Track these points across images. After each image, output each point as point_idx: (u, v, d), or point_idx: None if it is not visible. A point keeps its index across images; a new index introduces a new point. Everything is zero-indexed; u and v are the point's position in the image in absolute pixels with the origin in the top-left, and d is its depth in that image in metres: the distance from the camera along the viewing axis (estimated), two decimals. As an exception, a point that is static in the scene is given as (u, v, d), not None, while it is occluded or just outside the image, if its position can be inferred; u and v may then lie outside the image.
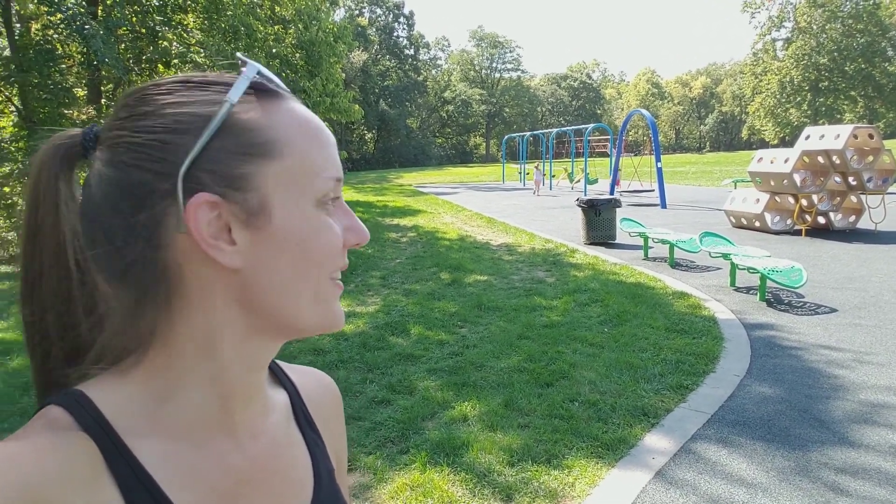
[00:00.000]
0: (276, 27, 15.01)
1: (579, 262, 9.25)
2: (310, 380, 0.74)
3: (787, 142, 53.46)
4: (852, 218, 11.61)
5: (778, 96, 61.60)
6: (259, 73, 0.57)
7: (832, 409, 4.09)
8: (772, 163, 11.50)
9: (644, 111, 19.61)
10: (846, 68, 58.57)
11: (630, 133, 64.27)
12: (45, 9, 8.74)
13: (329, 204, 0.58)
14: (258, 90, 0.56)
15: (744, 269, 7.12)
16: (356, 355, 5.32)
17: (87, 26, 8.32)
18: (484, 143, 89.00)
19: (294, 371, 0.73)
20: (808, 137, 11.50)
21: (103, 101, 11.45)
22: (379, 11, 72.55)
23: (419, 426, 3.98)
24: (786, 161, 11.13)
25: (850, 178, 11.15)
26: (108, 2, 9.82)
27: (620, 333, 5.71)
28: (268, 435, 0.64)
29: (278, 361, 0.71)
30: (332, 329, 0.61)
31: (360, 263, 9.59)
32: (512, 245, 11.12)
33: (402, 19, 73.88)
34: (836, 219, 11.57)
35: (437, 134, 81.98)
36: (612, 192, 18.89)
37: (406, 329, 6.07)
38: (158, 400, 0.55)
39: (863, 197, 11.49)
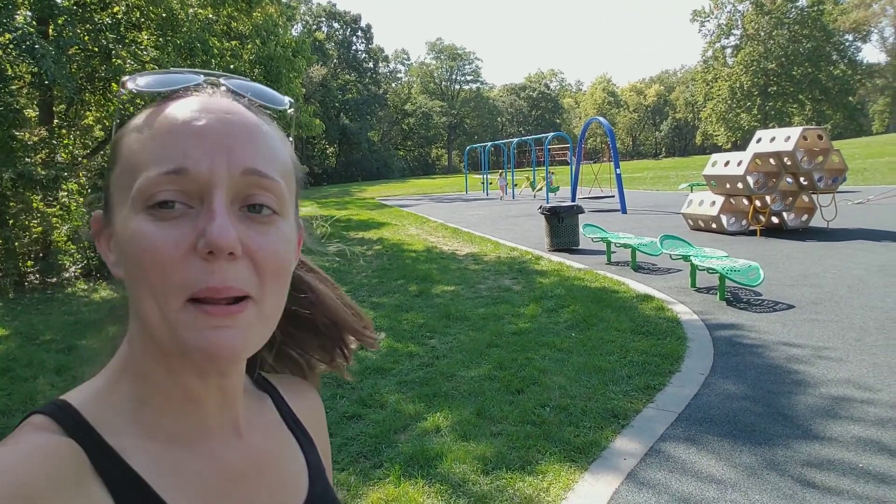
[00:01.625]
0: (233, 42, 14.85)
1: (544, 268, 9.34)
2: (291, 385, 0.74)
3: (739, 146, 54.98)
4: (805, 217, 12.00)
5: (729, 102, 63.42)
6: (130, 84, 0.57)
7: (795, 404, 4.21)
8: (725, 166, 11.82)
9: (601, 119, 19.99)
10: (793, 73, 60.66)
11: (588, 141, 65.25)
12: (-7, 28, 8.50)
13: (157, 207, 0.50)
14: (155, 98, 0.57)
15: (703, 269, 7.29)
16: (325, 372, 5.26)
17: (37, 46, 8.12)
18: (446, 155, 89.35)
19: (275, 378, 0.73)
20: (759, 140, 11.86)
21: (56, 121, 11.17)
22: (336, 25, 72.48)
23: (392, 439, 3.96)
24: (739, 164, 11.46)
25: (802, 179, 11.53)
26: (59, 21, 9.60)
27: (587, 338, 5.79)
28: (258, 433, 0.64)
29: (262, 372, 0.72)
30: (199, 360, 0.51)
31: (325, 278, 9.51)
32: (478, 254, 11.18)
33: (359, 33, 73.91)
34: (790, 218, 11.94)
35: (399, 146, 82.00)
36: (573, 199, 19.16)
37: (375, 342, 6.03)
38: (136, 403, 0.56)
39: (814, 196, 11.89)
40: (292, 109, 0.63)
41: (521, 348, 5.59)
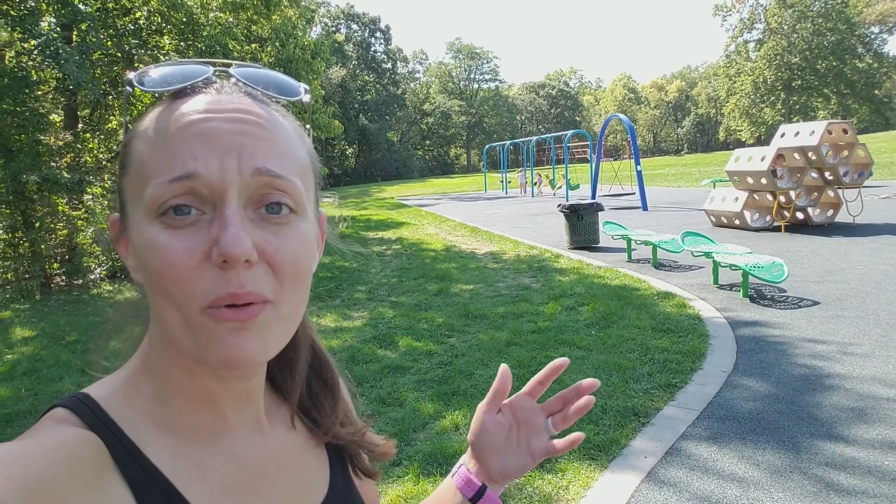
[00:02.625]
0: (252, 45, 15.00)
1: (564, 266, 9.29)
2: None
3: (762, 141, 54.28)
4: (830, 212, 11.79)
5: (752, 96, 62.60)
6: (135, 82, 0.54)
7: (819, 402, 4.13)
8: (749, 161, 11.65)
9: (621, 116, 19.81)
10: (818, 66, 59.71)
11: (609, 138, 64.85)
12: (19, 35, 8.68)
13: (170, 214, 0.49)
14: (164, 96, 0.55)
15: (726, 266, 7.19)
16: (345, 369, 5.21)
17: (61, 51, 8.27)
18: (465, 154, 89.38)
19: None
20: (783, 135, 11.68)
21: (80, 125, 11.37)
22: (355, 27, 72.87)
23: (411, 437, 3.96)
24: (762, 159, 11.29)
25: (827, 174, 11.33)
26: (82, 26, 9.77)
27: (608, 335, 5.74)
28: (280, 428, 0.65)
29: None
30: (219, 366, 0.51)
31: (344, 278, 9.57)
32: (497, 253, 11.15)
33: (378, 34, 74.24)
34: (815, 214, 11.74)
35: (418, 146, 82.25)
36: (593, 197, 19.03)
37: (394, 341, 6.06)
38: (156, 401, 0.56)
39: (840, 191, 11.67)
40: (308, 96, 0.60)
41: (540, 346, 5.56)
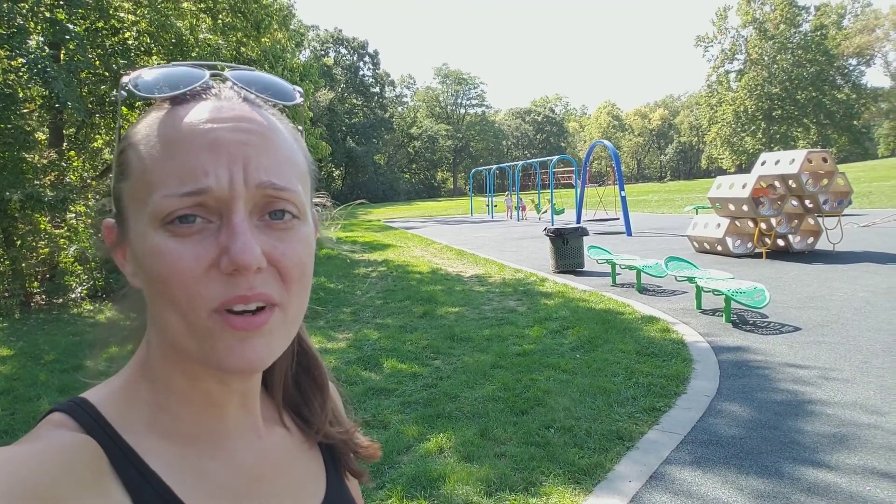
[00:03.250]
0: (241, 67, 15.04)
1: (549, 290, 9.33)
2: None
3: (743, 169, 55.13)
4: (811, 240, 11.96)
5: (733, 125, 63.77)
6: (131, 86, 0.54)
7: (801, 427, 4.16)
8: (730, 189, 11.83)
9: (606, 142, 20.08)
10: (798, 97, 61.04)
11: (593, 164, 65.51)
12: (6, 53, 8.66)
13: (176, 223, 0.49)
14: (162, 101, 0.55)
15: (709, 291, 7.26)
16: (329, 391, 5.24)
17: (49, 69, 8.26)
18: (451, 178, 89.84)
19: None
20: (763, 163, 11.88)
21: (65, 144, 11.30)
22: (344, 51, 73.42)
23: (394, 460, 3.93)
24: (743, 186, 11.47)
25: (807, 201, 11.52)
26: (70, 45, 9.77)
27: (592, 359, 5.75)
28: (277, 434, 0.65)
29: None
30: (226, 372, 0.52)
31: (329, 299, 9.53)
32: (483, 276, 11.17)
33: (367, 58, 74.81)
34: (795, 241, 11.91)
35: (405, 169, 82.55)
36: (578, 221, 19.18)
37: (378, 363, 6.02)
38: (154, 406, 0.56)
39: (820, 219, 11.86)
40: (302, 99, 0.61)
41: (525, 369, 5.56)
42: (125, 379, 0.57)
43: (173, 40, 11.43)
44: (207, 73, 0.55)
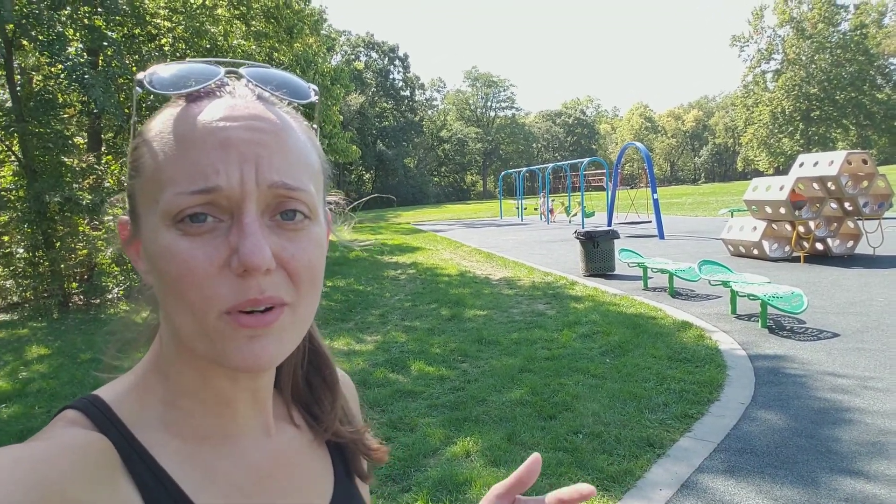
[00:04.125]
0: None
1: (579, 293, 9.23)
2: None
3: (781, 171, 53.91)
4: (850, 243, 11.63)
5: (770, 127, 62.47)
6: (146, 83, 0.53)
7: (839, 436, 4.03)
8: (767, 191, 11.57)
9: (638, 144, 19.82)
10: (836, 97, 59.56)
11: (625, 166, 64.86)
12: (46, 59, 8.91)
13: (187, 221, 0.49)
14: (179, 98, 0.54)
15: (744, 296, 7.10)
16: (356, 393, 5.25)
17: (87, 76, 8.47)
18: (481, 181, 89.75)
19: None
20: (801, 165, 11.60)
21: (103, 148, 11.58)
22: (374, 55, 73.95)
23: (421, 463, 3.91)
24: (781, 189, 11.21)
25: (846, 204, 11.21)
26: (108, 52, 10.01)
27: (623, 364, 5.67)
28: (287, 433, 0.65)
29: None
30: (236, 370, 0.51)
31: (358, 301, 9.57)
32: (511, 279, 11.11)
33: (397, 62, 75.26)
34: (834, 244, 11.59)
35: (434, 172, 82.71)
36: (609, 224, 18.97)
37: (406, 365, 6.02)
38: (166, 404, 0.56)
39: (860, 222, 11.53)
40: (317, 98, 0.60)
41: (554, 374, 5.50)
42: (138, 376, 0.58)
43: (207, 46, 11.65)
44: (222, 70, 0.55)
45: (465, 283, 10.97)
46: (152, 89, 0.53)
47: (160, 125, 0.53)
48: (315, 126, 0.61)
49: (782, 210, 11.13)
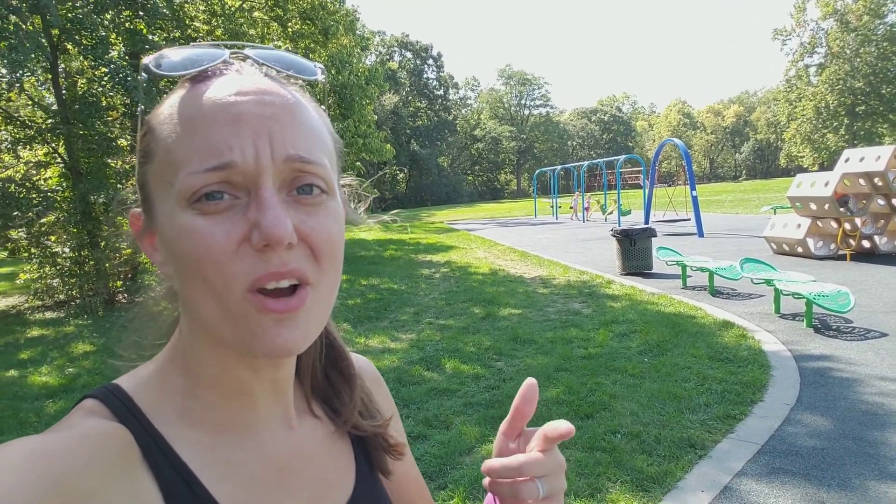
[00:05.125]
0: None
1: (616, 292, 9.10)
2: None
3: (825, 167, 52.41)
4: (899, 241, 11.22)
5: (814, 122, 60.69)
6: (152, 66, 0.52)
7: (887, 440, 3.88)
8: (812, 187, 11.24)
9: (676, 140, 19.46)
10: (883, 91, 57.50)
11: (663, 164, 63.84)
12: (90, 63, 9.15)
13: (203, 201, 0.48)
14: (187, 81, 0.53)
15: (788, 294, 6.90)
16: (391, 390, 5.25)
17: (129, 78, 8.68)
18: (515, 179, 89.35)
19: None
20: (847, 160, 11.24)
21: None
22: (408, 55, 74.19)
23: (456, 461, 3.89)
24: (826, 185, 10.87)
25: (894, 200, 10.82)
26: (149, 55, 10.24)
27: (661, 363, 5.56)
28: (308, 425, 0.64)
29: None
30: (262, 356, 0.50)
31: (392, 300, 9.61)
32: (546, 278, 11.02)
33: (430, 61, 75.37)
34: (882, 242, 11.19)
35: (468, 171, 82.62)
36: (646, 222, 18.67)
37: (440, 364, 6.01)
38: (186, 395, 0.56)
39: (909, 219, 11.11)
40: (323, 76, 0.59)
41: (590, 373, 5.42)
42: (158, 366, 0.57)
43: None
44: (227, 51, 0.54)
45: (498, 281, 10.92)
46: (160, 72, 0.53)
47: (168, 109, 0.52)
48: (323, 107, 0.60)
49: (827, 207, 10.80)
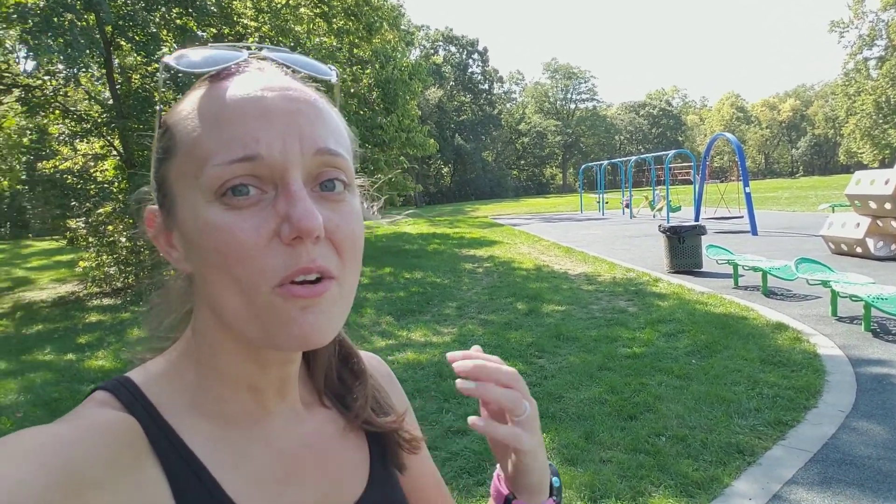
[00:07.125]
0: (354, 67, 15.59)
1: (663, 291, 8.90)
2: None
3: (886, 164, 50.20)
4: (967, 241, 10.65)
5: (874, 117, 58.22)
6: (173, 64, 0.53)
7: (956, 451, 3.68)
8: (871, 185, 10.76)
9: (729, 135, 18.90)
10: (947, 85, 54.72)
11: (714, 159, 62.24)
12: (143, 59, 9.43)
13: (229, 195, 0.48)
14: (205, 78, 0.54)
15: (846, 296, 6.62)
16: (432, 385, 5.27)
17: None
18: (560, 174, 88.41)
19: None
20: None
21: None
22: (453, 49, 74.09)
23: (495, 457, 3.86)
24: (886, 182, 10.39)
25: (962, 199, 10.27)
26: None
27: (710, 365, 5.40)
28: (318, 419, 0.65)
29: None
30: (289, 347, 0.51)
31: (435, 294, 9.61)
32: (591, 274, 10.85)
33: (475, 56, 75.11)
34: (949, 243, 10.64)
35: (513, 166, 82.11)
36: (696, 219, 18.21)
37: (482, 360, 5.98)
38: (196, 388, 0.56)
39: (979, 219, 10.53)
40: (336, 79, 0.60)
41: (635, 373, 5.31)
42: (170, 360, 0.58)
43: (291, 44, 12.00)
44: (246, 52, 0.56)
45: (542, 277, 10.81)
46: (181, 69, 0.53)
47: (190, 105, 0.53)
48: (337, 107, 0.60)
49: (888, 206, 10.32)
